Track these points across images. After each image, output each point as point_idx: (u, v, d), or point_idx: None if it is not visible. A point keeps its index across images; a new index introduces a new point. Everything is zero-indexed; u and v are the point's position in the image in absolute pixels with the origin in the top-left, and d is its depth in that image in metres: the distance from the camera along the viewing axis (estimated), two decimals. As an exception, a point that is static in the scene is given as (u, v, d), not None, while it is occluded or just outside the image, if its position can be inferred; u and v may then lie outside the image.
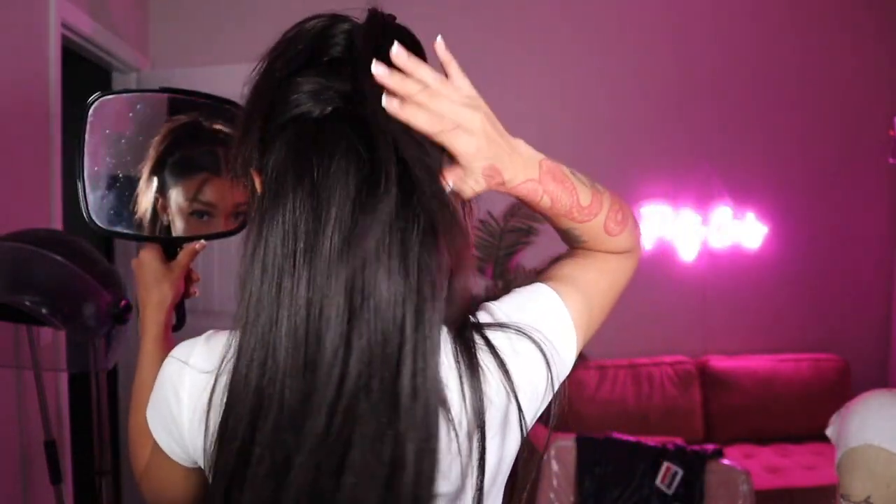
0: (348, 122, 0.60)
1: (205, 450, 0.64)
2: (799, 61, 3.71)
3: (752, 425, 3.43)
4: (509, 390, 0.65)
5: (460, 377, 0.63)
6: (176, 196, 0.94)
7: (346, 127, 0.60)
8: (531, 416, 0.69)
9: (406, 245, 0.59)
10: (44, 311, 1.46)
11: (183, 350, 0.68)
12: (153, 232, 0.95)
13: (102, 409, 1.88)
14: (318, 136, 0.60)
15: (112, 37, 2.67)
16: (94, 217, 0.90)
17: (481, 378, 0.63)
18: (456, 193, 0.63)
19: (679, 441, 2.29)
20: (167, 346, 0.91)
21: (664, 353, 3.53)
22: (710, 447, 2.12)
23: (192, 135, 0.94)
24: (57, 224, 2.24)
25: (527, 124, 3.62)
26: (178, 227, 0.95)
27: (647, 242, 3.57)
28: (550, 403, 0.71)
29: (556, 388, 0.70)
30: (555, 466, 2.19)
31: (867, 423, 1.01)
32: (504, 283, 3.16)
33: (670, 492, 2.06)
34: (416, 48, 0.65)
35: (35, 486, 2.04)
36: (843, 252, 3.79)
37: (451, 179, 0.62)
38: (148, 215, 0.95)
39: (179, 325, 0.98)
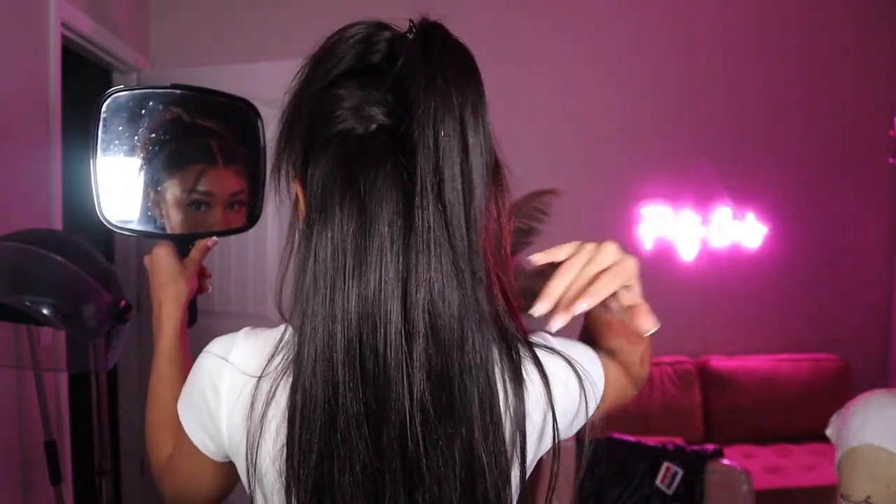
0: (392, 139, 0.60)
1: (247, 447, 0.65)
2: (799, 61, 3.71)
3: (752, 425, 3.43)
4: (547, 403, 0.67)
5: (504, 385, 0.65)
6: (172, 188, 0.94)
7: (391, 143, 0.60)
8: (563, 433, 0.71)
9: (454, 257, 0.59)
10: (44, 311, 1.47)
11: (221, 346, 0.69)
12: (167, 229, 0.94)
13: (102, 409, 1.88)
14: (363, 153, 0.60)
15: (112, 37, 2.67)
16: (106, 215, 0.88)
17: (524, 389, 0.65)
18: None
19: (679, 441, 2.29)
20: (184, 342, 0.92)
21: (664, 353, 3.53)
22: (710, 447, 2.12)
23: (184, 128, 0.94)
24: (57, 224, 2.24)
25: (529, 126, 3.64)
26: (175, 220, 0.94)
27: (647, 242, 3.58)
28: (581, 432, 0.74)
29: (587, 417, 0.73)
30: (555, 466, 2.19)
31: (867, 423, 1.01)
32: (504, 283, 3.16)
33: (670, 492, 2.06)
34: (466, 59, 0.62)
35: (35, 486, 2.04)
36: (843, 252, 3.79)
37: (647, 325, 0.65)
38: (160, 212, 0.94)
39: (192, 320, 0.97)
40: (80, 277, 1.51)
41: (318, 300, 0.60)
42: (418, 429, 0.59)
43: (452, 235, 0.59)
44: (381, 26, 0.64)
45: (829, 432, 1.11)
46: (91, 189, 0.88)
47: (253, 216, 0.92)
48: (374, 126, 0.61)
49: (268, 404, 0.64)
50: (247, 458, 0.65)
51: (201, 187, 0.94)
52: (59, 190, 2.24)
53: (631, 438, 2.22)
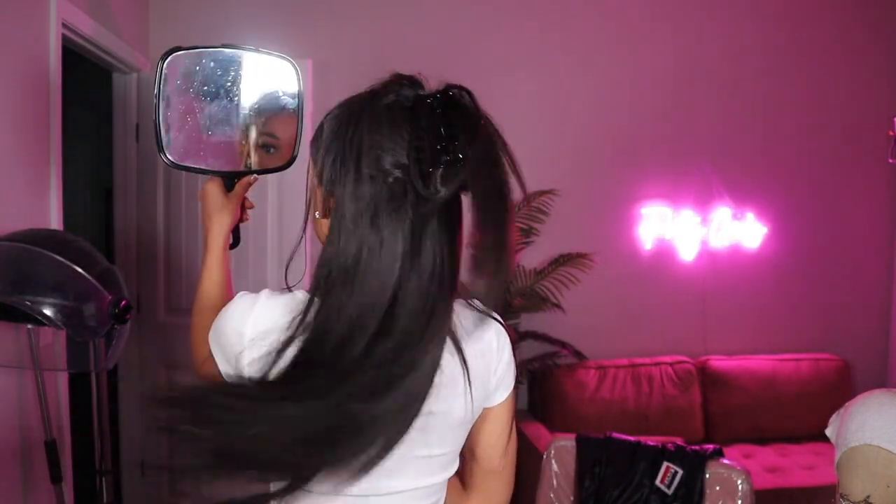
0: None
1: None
2: (799, 61, 3.71)
3: (752, 425, 3.42)
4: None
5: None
6: (252, 135, 1.09)
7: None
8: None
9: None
10: (45, 310, 1.47)
11: (247, 300, 0.82)
12: (217, 167, 1.09)
13: (102, 408, 1.89)
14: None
15: (112, 37, 2.67)
16: (167, 153, 1.03)
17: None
18: None
19: (679, 441, 2.29)
20: (225, 261, 1.10)
21: (664, 353, 3.53)
22: (710, 447, 2.12)
23: (234, 81, 1.09)
24: (57, 224, 2.24)
25: (529, 125, 3.63)
26: (254, 161, 1.09)
27: (648, 242, 3.58)
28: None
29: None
30: (555, 466, 2.19)
31: (867, 422, 1.01)
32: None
33: (670, 492, 2.06)
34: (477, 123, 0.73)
35: (35, 485, 2.04)
36: (843, 252, 3.80)
37: None
38: (213, 152, 1.08)
39: (235, 244, 1.14)
40: (81, 277, 1.51)
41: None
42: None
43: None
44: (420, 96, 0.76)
45: (828, 432, 1.11)
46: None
47: (291, 158, 1.06)
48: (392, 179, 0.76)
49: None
50: None
51: (267, 130, 1.08)
52: (59, 190, 2.24)
53: (631, 438, 2.22)
